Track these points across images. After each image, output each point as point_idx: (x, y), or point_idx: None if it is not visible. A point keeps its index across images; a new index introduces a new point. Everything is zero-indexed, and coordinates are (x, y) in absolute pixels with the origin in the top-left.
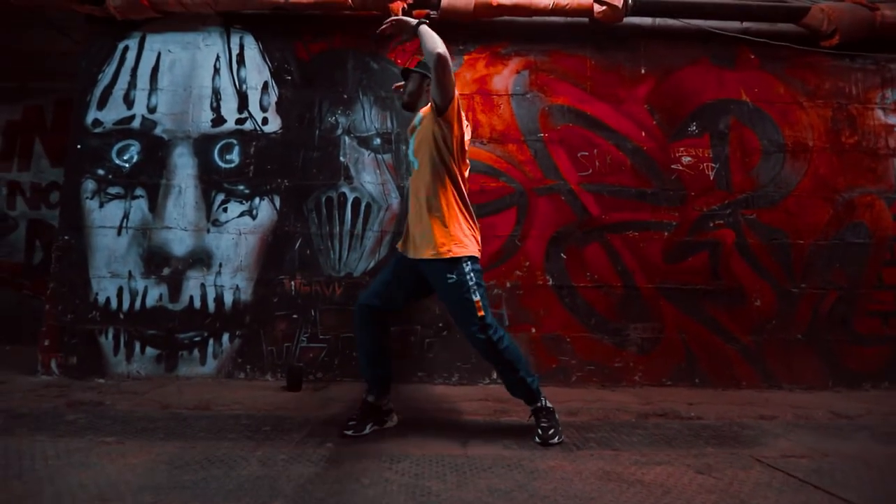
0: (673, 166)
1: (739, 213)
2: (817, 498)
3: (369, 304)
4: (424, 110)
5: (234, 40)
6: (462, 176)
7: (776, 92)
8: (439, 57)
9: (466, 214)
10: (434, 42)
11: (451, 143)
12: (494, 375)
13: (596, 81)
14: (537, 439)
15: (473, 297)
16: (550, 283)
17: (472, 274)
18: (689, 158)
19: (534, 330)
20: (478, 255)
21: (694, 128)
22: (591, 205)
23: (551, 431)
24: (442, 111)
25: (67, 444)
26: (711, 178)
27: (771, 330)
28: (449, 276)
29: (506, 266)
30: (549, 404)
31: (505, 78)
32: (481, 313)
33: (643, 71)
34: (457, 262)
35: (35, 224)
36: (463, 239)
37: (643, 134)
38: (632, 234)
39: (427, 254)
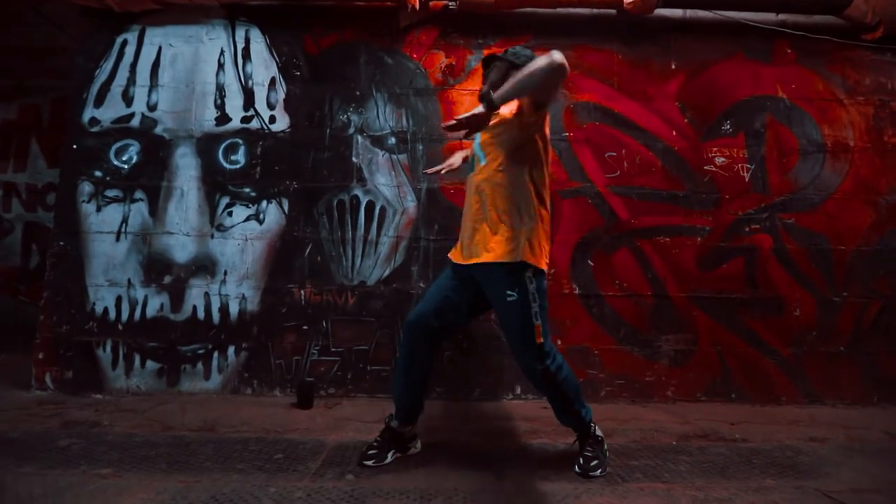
0: (706, 167)
1: (777, 216)
2: None
3: (429, 325)
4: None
5: (240, 34)
6: (545, 180)
7: (815, 88)
8: (559, 66)
9: (543, 224)
10: (532, 73)
11: (543, 142)
12: (519, 391)
13: (624, 77)
14: (577, 469)
15: (535, 320)
16: (577, 291)
17: (535, 293)
18: (722, 159)
19: (559, 342)
20: (545, 269)
21: (728, 126)
22: (620, 208)
23: (594, 463)
24: (542, 106)
25: (57, 478)
26: (747, 179)
27: (811, 342)
28: (510, 292)
29: None
30: (599, 433)
31: None
32: (540, 340)
33: (674, 66)
34: (520, 273)
35: (31, 227)
36: (534, 247)
37: (674, 133)
38: (663, 240)
39: (486, 257)
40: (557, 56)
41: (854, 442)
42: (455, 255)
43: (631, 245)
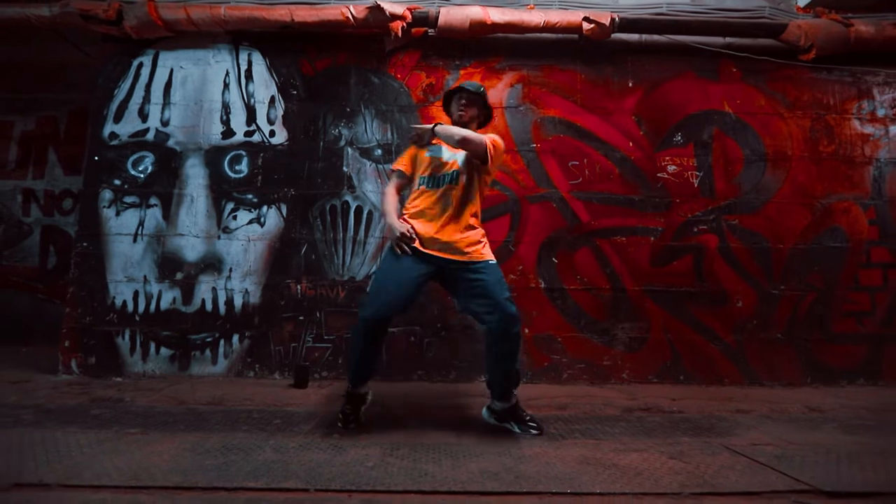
0: (659, 175)
1: (722, 218)
2: (772, 478)
3: (384, 318)
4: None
5: (243, 57)
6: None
7: (757, 103)
8: (461, 140)
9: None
10: (451, 133)
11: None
12: None
13: (586, 94)
14: (532, 430)
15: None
16: (542, 285)
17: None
18: (674, 167)
19: (527, 330)
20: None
21: (679, 138)
22: (581, 211)
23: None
24: (485, 161)
25: (97, 434)
26: (696, 185)
27: (752, 329)
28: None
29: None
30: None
31: (499, 91)
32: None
33: (630, 84)
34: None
35: (49, 230)
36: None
37: (631, 144)
38: (620, 240)
39: (482, 257)
40: (487, 142)
41: (774, 413)
42: (432, 251)
43: (591, 244)
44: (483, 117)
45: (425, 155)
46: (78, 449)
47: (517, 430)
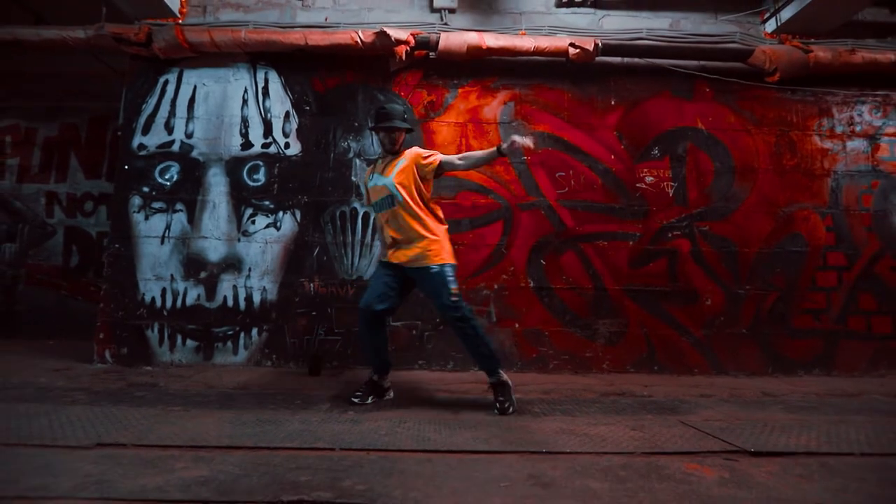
0: (638, 185)
1: (694, 225)
2: (711, 443)
3: (374, 308)
4: (405, 157)
5: (260, 75)
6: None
7: (727, 121)
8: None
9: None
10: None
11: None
12: None
13: (572, 112)
14: (496, 411)
15: (452, 285)
16: (532, 285)
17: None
18: (651, 178)
19: (517, 325)
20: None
21: (656, 151)
22: (567, 218)
23: (507, 404)
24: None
25: (147, 410)
26: (671, 195)
27: (720, 325)
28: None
29: (493, 271)
30: (507, 379)
31: (494, 108)
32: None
33: (613, 102)
34: (443, 266)
35: (71, 231)
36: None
37: (612, 157)
38: (601, 244)
39: (427, 262)
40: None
41: (732, 397)
42: (393, 258)
43: (576, 248)
44: (406, 131)
45: (369, 186)
46: (136, 420)
47: (495, 412)
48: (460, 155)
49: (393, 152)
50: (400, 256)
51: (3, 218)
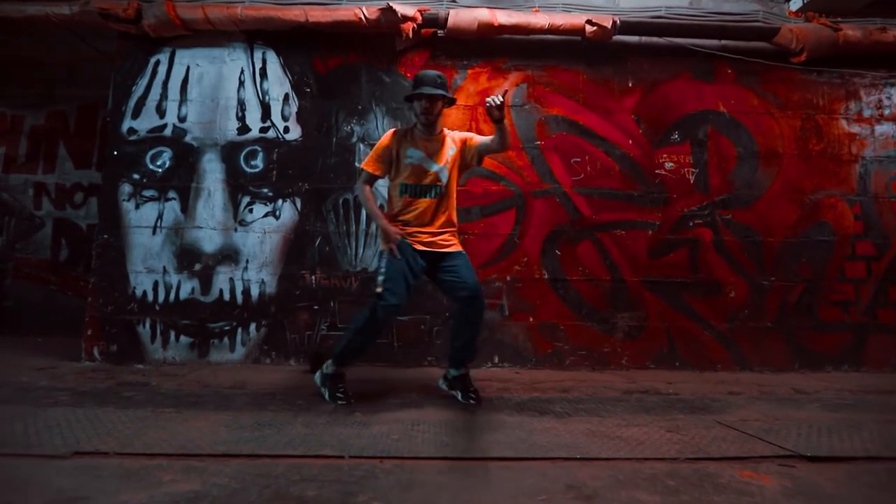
0: (657, 171)
1: (716, 213)
2: (759, 446)
3: (399, 304)
4: (453, 143)
5: (258, 55)
6: None
7: (750, 104)
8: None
9: None
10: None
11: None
12: (497, 360)
13: (588, 94)
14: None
15: None
16: (546, 276)
17: None
18: (671, 164)
19: (531, 319)
20: None
21: (676, 136)
22: (583, 206)
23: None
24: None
25: (134, 412)
26: (691, 181)
27: (744, 318)
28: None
29: (506, 261)
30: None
31: (505, 90)
32: None
33: (630, 84)
34: None
35: (60, 223)
36: None
37: (630, 142)
38: (619, 233)
39: (458, 247)
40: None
41: (763, 394)
42: (426, 247)
43: (592, 237)
44: (446, 102)
45: (406, 162)
46: (122, 424)
47: (460, 398)
48: (483, 138)
49: (429, 124)
50: (433, 244)
51: None
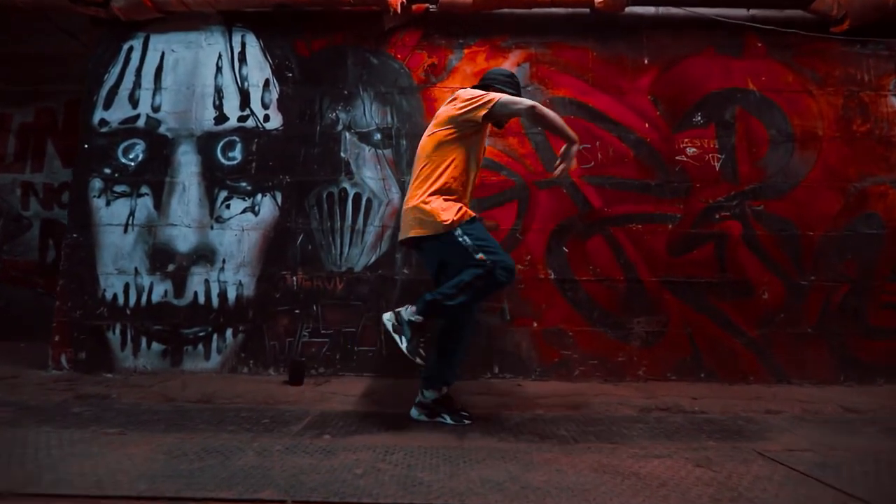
0: (677, 157)
1: (746, 204)
2: (820, 492)
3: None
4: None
5: (236, 39)
6: None
7: (784, 80)
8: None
9: None
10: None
11: None
12: (497, 370)
13: (598, 73)
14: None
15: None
16: (552, 276)
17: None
18: (693, 149)
19: (535, 324)
20: None
21: (699, 118)
22: (594, 197)
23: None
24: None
25: (71, 434)
26: (717, 169)
27: (779, 323)
28: None
29: None
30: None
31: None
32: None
33: (646, 61)
34: None
35: (48, 224)
36: None
37: (646, 125)
38: (635, 227)
39: None
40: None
41: (807, 414)
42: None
43: (604, 232)
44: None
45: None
46: (46, 451)
47: (450, 422)
48: None
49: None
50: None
51: None
